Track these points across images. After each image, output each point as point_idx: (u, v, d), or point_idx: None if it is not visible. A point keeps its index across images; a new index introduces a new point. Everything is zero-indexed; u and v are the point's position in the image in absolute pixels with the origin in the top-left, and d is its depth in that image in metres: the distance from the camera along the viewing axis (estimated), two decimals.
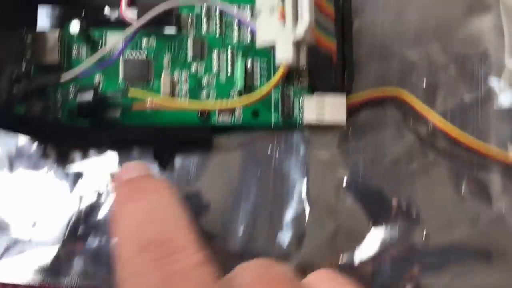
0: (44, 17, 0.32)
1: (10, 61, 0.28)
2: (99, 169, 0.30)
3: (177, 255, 0.17)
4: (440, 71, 0.31)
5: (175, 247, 0.18)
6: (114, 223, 0.20)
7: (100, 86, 0.30)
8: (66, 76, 0.27)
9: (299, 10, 0.24)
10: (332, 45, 0.29)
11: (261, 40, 0.25)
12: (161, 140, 0.30)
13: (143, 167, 0.23)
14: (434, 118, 0.30)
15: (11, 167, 0.30)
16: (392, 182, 0.30)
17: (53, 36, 0.29)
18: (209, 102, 0.29)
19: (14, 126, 0.28)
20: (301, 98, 0.31)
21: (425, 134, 0.31)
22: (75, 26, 0.29)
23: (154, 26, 0.30)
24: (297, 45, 0.24)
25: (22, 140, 0.30)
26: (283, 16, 0.24)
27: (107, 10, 0.32)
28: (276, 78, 0.26)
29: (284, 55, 0.24)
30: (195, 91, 0.31)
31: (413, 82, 0.31)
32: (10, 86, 0.26)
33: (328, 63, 0.30)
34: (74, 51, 0.30)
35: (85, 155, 0.31)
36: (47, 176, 0.30)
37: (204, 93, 0.31)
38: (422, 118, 0.30)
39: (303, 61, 0.24)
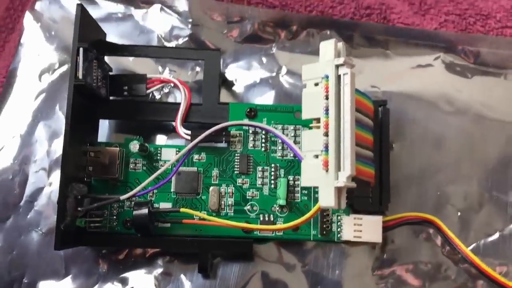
0: (104, 130, 0.35)
1: (75, 177, 0.30)
2: (146, 276, 0.33)
3: None
4: (475, 206, 0.33)
5: None
6: None
7: (153, 197, 0.33)
8: (125, 196, 0.30)
9: (341, 160, 0.26)
10: (370, 173, 0.31)
11: (306, 181, 0.27)
12: (206, 251, 0.32)
13: None
14: (465, 250, 0.31)
15: (66, 270, 0.33)
16: None
17: (113, 152, 0.32)
18: (254, 225, 0.31)
19: (76, 240, 0.31)
20: (339, 216, 0.32)
21: (458, 260, 0.32)
22: (135, 146, 0.32)
23: (205, 142, 0.32)
24: (339, 190, 0.26)
25: None
26: (326, 164, 0.26)
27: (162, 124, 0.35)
28: (312, 212, 0.28)
29: (327, 199, 0.26)
30: (239, 204, 0.33)
31: (448, 211, 0.33)
32: (76, 205, 0.29)
33: (366, 186, 0.32)
34: (131, 164, 0.33)
35: (133, 261, 0.33)
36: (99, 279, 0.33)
37: (248, 205, 0.33)
38: (455, 245, 0.32)
39: (343, 204, 0.26)
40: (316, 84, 0.27)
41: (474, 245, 0.32)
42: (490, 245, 0.32)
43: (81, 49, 0.29)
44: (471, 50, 0.36)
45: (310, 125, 0.28)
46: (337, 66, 0.26)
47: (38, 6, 0.38)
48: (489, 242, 0.32)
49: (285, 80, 0.36)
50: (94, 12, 0.37)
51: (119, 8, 0.38)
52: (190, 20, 0.38)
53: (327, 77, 0.26)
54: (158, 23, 0.38)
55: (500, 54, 0.35)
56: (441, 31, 0.37)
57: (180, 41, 0.37)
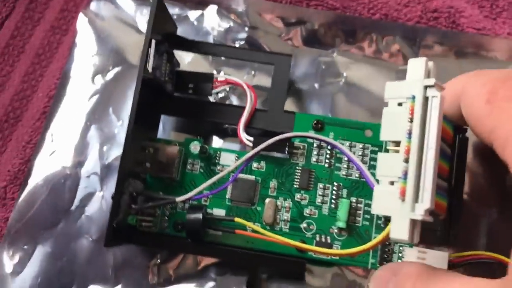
0: (165, 127, 0.33)
1: (132, 172, 0.29)
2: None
3: None
4: None
5: None
6: None
7: (207, 202, 0.31)
8: (180, 198, 0.29)
9: (420, 190, 0.24)
10: (443, 205, 0.28)
11: (377, 209, 0.25)
12: (256, 266, 0.30)
13: None
14: None
15: (116, 278, 0.32)
16: None
17: (173, 152, 0.31)
18: (310, 246, 0.30)
19: (126, 238, 0.29)
20: (402, 246, 0.30)
21: None
22: (196, 147, 0.30)
23: (266, 150, 0.31)
24: (414, 223, 0.24)
25: (130, 249, 0.32)
26: (403, 193, 0.24)
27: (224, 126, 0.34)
28: (377, 241, 0.26)
29: (399, 232, 0.24)
30: (296, 220, 0.31)
31: None
32: (130, 202, 0.28)
33: (435, 218, 0.30)
34: (189, 165, 0.32)
35: (185, 273, 0.32)
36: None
37: (304, 223, 0.31)
38: None
39: (416, 239, 0.24)
40: (400, 104, 0.25)
41: None
42: None
43: (153, 42, 0.28)
44: None
45: (388, 147, 0.25)
46: (426, 87, 0.24)
47: (92, 6, 0.38)
48: None
49: (345, 87, 0.34)
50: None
51: (175, 9, 0.37)
52: (247, 22, 0.36)
53: (413, 97, 0.24)
54: (214, 25, 0.36)
55: None
56: None
57: (237, 44, 0.36)
